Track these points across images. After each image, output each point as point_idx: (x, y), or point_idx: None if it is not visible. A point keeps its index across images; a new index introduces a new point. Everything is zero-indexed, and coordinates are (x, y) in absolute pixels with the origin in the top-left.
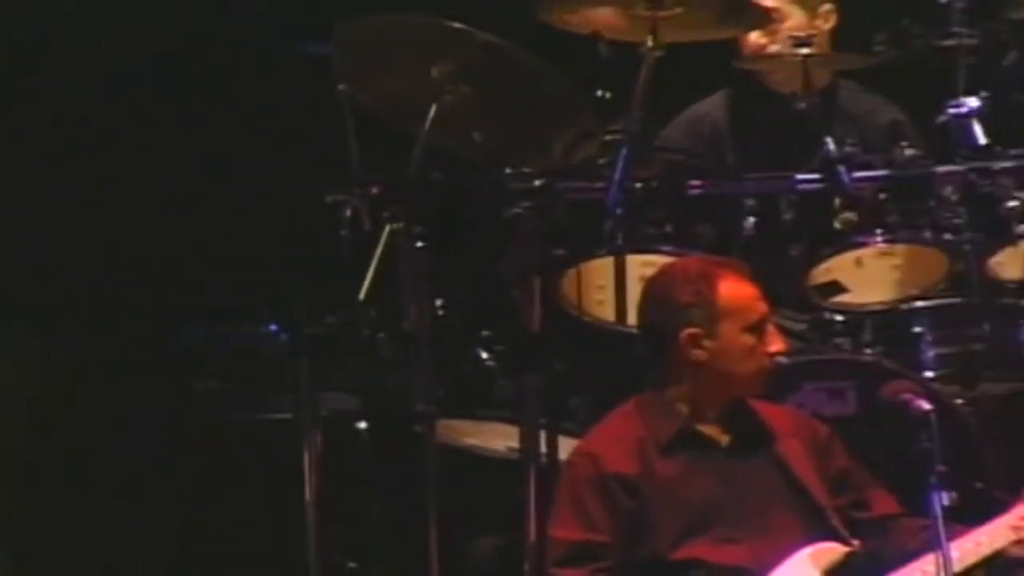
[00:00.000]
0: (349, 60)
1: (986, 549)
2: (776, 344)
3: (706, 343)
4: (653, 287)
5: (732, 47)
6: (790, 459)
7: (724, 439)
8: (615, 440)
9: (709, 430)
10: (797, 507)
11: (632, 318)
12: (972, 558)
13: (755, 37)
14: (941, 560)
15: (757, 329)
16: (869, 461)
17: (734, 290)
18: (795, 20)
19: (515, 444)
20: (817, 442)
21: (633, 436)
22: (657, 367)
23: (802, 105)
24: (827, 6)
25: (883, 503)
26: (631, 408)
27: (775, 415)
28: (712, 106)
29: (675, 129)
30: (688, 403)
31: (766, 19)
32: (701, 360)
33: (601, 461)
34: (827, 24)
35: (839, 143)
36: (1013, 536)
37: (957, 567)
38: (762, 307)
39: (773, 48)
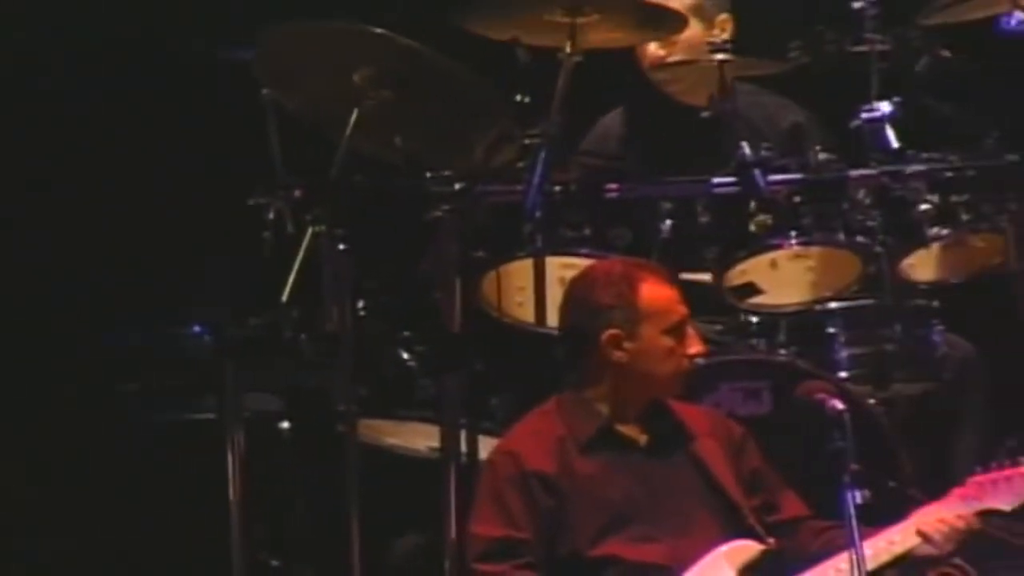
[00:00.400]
0: (272, 65)
1: (898, 548)
2: (695, 346)
3: (627, 344)
4: (575, 289)
5: (631, 61)
6: (707, 459)
7: (643, 439)
8: (536, 438)
9: (628, 430)
10: (714, 506)
11: (551, 319)
12: (885, 557)
13: (653, 48)
14: (854, 559)
15: (677, 331)
16: (784, 460)
17: (655, 293)
18: (693, 30)
19: (436, 443)
20: (733, 442)
21: (553, 435)
22: (578, 368)
23: (707, 113)
24: (723, 16)
25: (792, 506)
26: (552, 407)
27: (692, 415)
28: (613, 121)
29: (588, 142)
30: (608, 403)
31: (682, 25)
32: (622, 361)
33: (522, 459)
34: (724, 34)
35: (754, 148)
36: (921, 537)
37: (870, 565)
38: (682, 309)
39: (672, 59)
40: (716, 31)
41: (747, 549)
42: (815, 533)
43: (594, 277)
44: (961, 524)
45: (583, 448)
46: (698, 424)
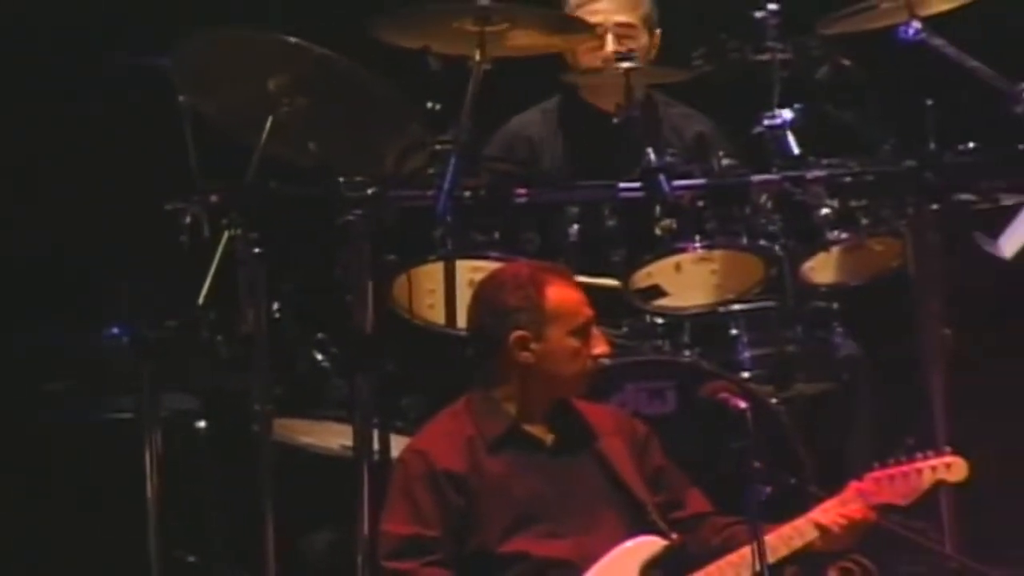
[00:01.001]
0: (190, 72)
1: (797, 542)
2: (600, 347)
3: (533, 346)
4: (483, 291)
5: (560, 63)
6: (612, 457)
7: (549, 438)
8: (445, 438)
9: (535, 429)
10: (619, 503)
11: (461, 321)
12: (784, 550)
13: (586, 55)
14: (756, 553)
15: (582, 332)
16: (688, 458)
17: (561, 295)
18: (643, 40)
19: (349, 442)
20: (637, 441)
21: (463, 434)
22: (486, 368)
23: (617, 119)
24: (658, 30)
25: (695, 502)
26: (461, 407)
27: (597, 415)
28: (528, 122)
29: (493, 146)
30: (515, 403)
31: (590, 34)
32: (528, 362)
33: (432, 458)
34: (655, 48)
35: (660, 153)
36: (819, 531)
37: (770, 559)
38: (587, 311)
39: (596, 64)
40: (655, 41)
41: (651, 545)
42: (718, 529)
43: (501, 280)
44: (858, 518)
45: (491, 447)
46: (603, 423)
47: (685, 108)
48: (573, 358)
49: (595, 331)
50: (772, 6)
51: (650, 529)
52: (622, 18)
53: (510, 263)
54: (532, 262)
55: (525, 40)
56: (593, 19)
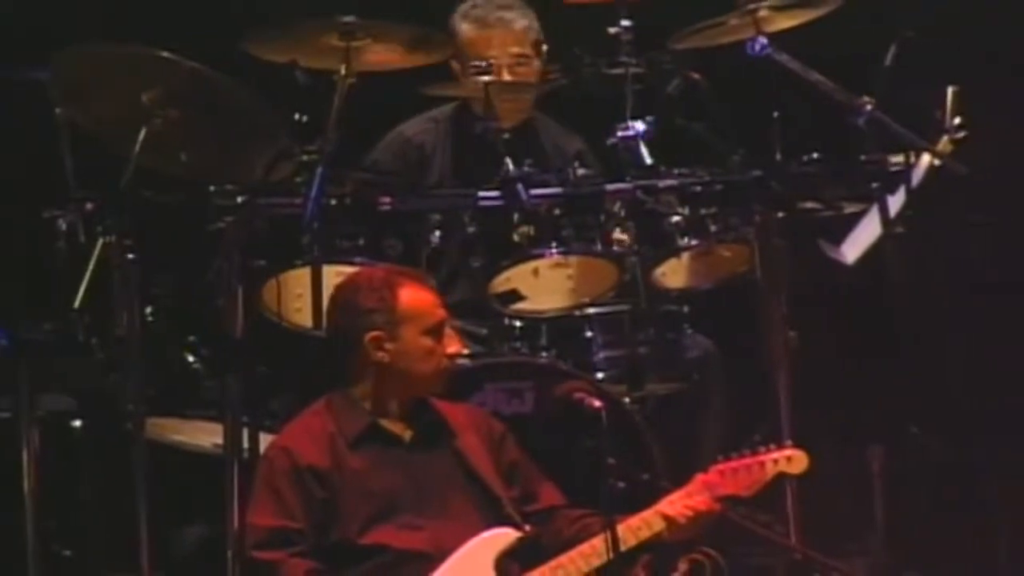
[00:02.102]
0: (66, 85)
1: (645, 532)
2: (454, 346)
3: (388, 345)
4: (339, 294)
5: (449, 75)
6: (468, 453)
7: (407, 435)
8: (308, 435)
9: (393, 426)
10: (475, 497)
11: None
12: (632, 541)
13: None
14: (608, 544)
15: (436, 332)
16: (546, 455)
17: (414, 297)
18: (536, 64)
19: (219, 440)
20: (493, 437)
21: (324, 431)
22: (345, 368)
23: (480, 130)
24: (544, 47)
25: (549, 495)
26: (322, 406)
27: (454, 413)
28: (419, 129)
29: (383, 151)
30: (373, 401)
31: (451, 49)
32: (383, 361)
33: (295, 454)
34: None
35: (519, 164)
36: (666, 521)
37: (620, 549)
38: (440, 312)
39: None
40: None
41: (505, 536)
42: (571, 521)
43: (357, 283)
44: (703, 508)
45: (352, 444)
46: (460, 421)
47: (561, 126)
48: (427, 357)
49: (449, 331)
50: (625, 22)
51: (505, 522)
52: (516, 49)
53: (365, 267)
54: (387, 266)
55: (389, 55)
56: (488, 52)
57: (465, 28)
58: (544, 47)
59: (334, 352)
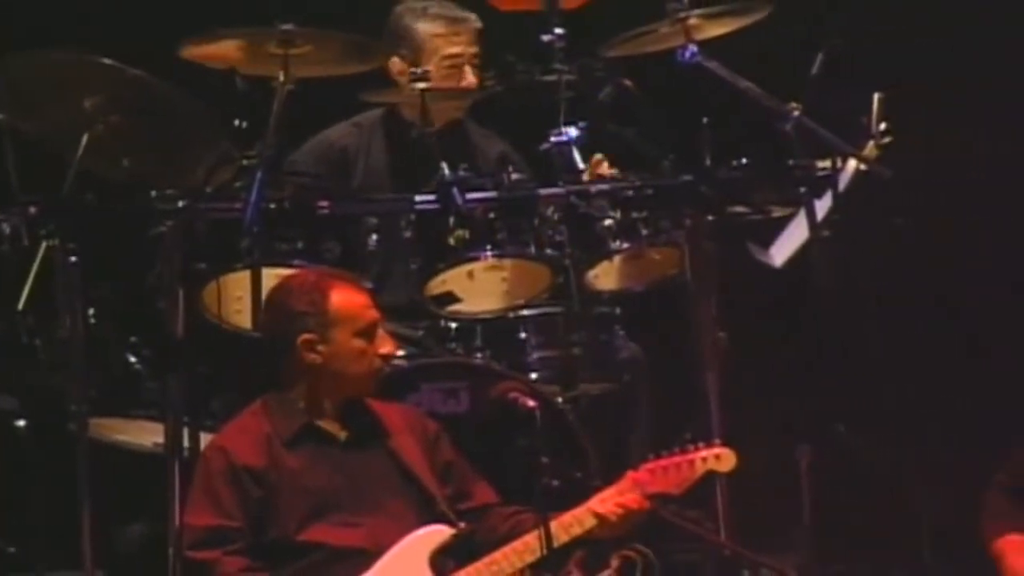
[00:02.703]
0: (9, 91)
1: (576, 529)
2: (386, 347)
3: (320, 347)
4: (272, 298)
5: (384, 80)
6: (403, 452)
7: (342, 434)
8: (244, 435)
9: (328, 426)
10: (410, 495)
11: None
12: (564, 538)
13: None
14: (541, 541)
15: (368, 334)
16: (481, 454)
17: (345, 299)
18: (472, 78)
19: (160, 440)
20: (428, 437)
21: (261, 431)
22: (280, 369)
23: (416, 134)
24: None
25: (483, 493)
26: (259, 407)
27: (389, 413)
28: (343, 134)
29: (304, 154)
30: (308, 401)
31: (385, 56)
32: (316, 363)
33: (232, 454)
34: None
35: (454, 168)
36: (597, 519)
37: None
38: (372, 314)
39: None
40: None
41: (439, 534)
42: (504, 518)
43: (289, 287)
44: (633, 506)
45: (288, 443)
46: (394, 421)
47: (485, 129)
48: (359, 358)
49: (381, 332)
50: (558, 30)
51: (439, 519)
52: (474, 49)
53: (298, 271)
54: (319, 269)
55: (324, 62)
56: (453, 50)
57: (427, 26)
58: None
59: (269, 354)
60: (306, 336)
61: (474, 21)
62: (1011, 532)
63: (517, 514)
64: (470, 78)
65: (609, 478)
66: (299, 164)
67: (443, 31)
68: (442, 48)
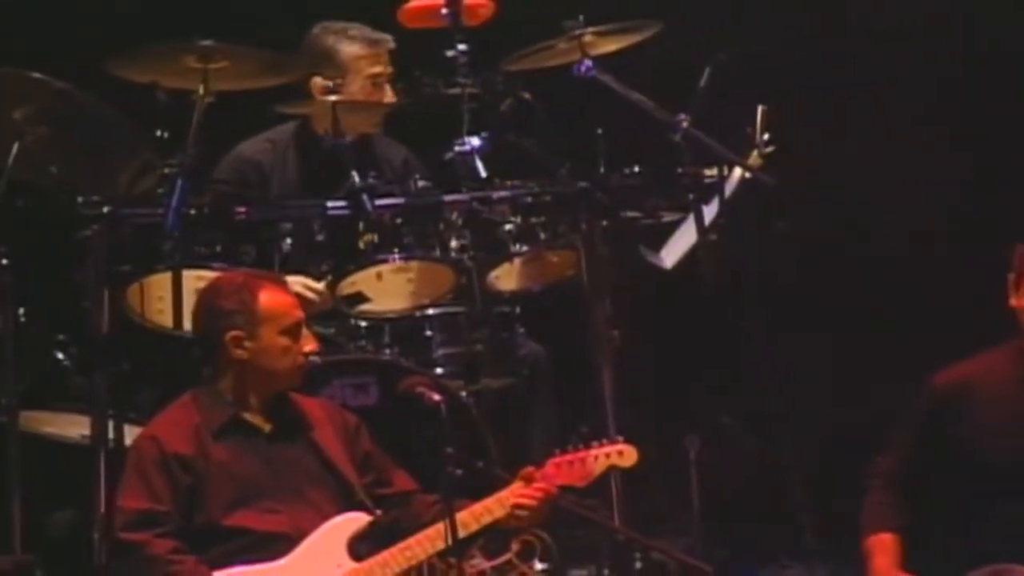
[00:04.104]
0: None
1: (487, 519)
2: (310, 344)
3: (247, 344)
4: (204, 297)
5: (302, 93)
6: (324, 444)
7: (267, 427)
8: (175, 426)
9: (254, 418)
10: (330, 484)
11: (188, 324)
12: (474, 526)
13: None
14: (448, 527)
15: (293, 332)
16: (390, 445)
17: (272, 299)
18: (392, 95)
19: (87, 432)
20: (348, 429)
21: (191, 422)
22: (210, 364)
23: (329, 144)
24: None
25: (402, 481)
26: (189, 399)
27: (312, 406)
28: (258, 149)
29: (222, 170)
30: (235, 395)
31: (306, 74)
32: (243, 359)
33: (163, 443)
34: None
35: (363, 176)
36: (508, 509)
37: (462, 533)
38: (298, 313)
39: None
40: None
41: (356, 521)
42: (427, 505)
43: (219, 286)
44: (542, 498)
45: (215, 434)
46: (317, 414)
47: (389, 139)
48: (283, 355)
49: (305, 331)
50: (461, 46)
51: (357, 507)
52: (391, 68)
53: (229, 272)
54: (249, 270)
55: (241, 76)
56: (375, 70)
57: (352, 48)
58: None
59: (200, 350)
60: (234, 333)
61: (390, 42)
62: (882, 531)
63: (439, 502)
64: (390, 95)
65: (510, 468)
66: (221, 182)
67: (366, 52)
68: (365, 68)
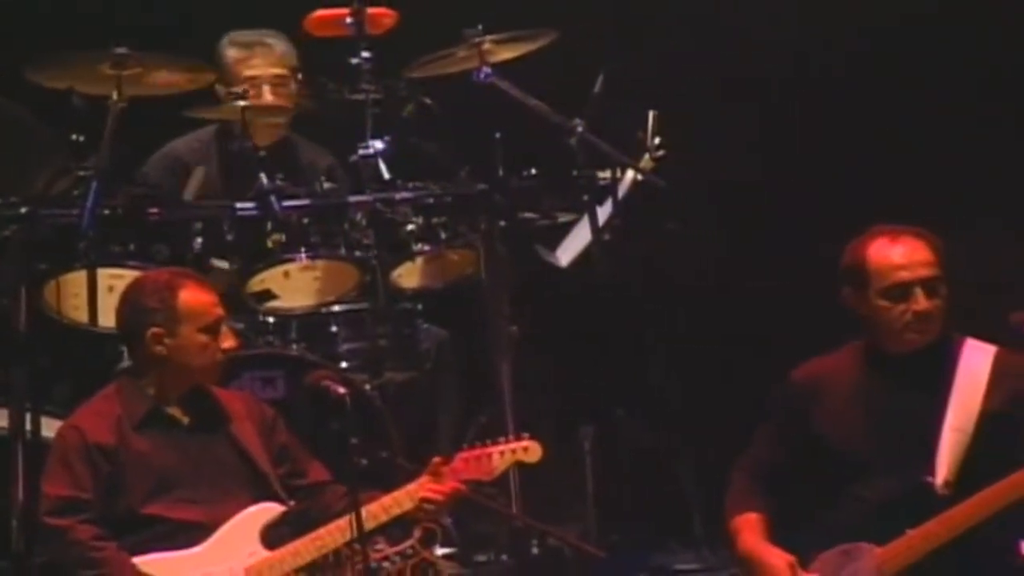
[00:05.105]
0: None
1: (395, 511)
2: (228, 342)
3: (167, 340)
4: (128, 293)
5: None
6: (241, 436)
7: (186, 419)
8: (98, 416)
9: (173, 411)
10: (246, 475)
11: (102, 321)
12: (383, 517)
13: (271, 97)
14: (353, 516)
15: (212, 330)
16: (298, 437)
17: (193, 297)
18: (294, 86)
19: (5, 424)
20: (264, 422)
21: (113, 414)
22: (132, 358)
23: (236, 148)
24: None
25: (317, 472)
26: (112, 391)
27: (231, 400)
28: (185, 148)
29: (152, 165)
30: (156, 388)
31: (215, 75)
32: (163, 354)
33: (86, 433)
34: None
35: (272, 178)
36: (416, 502)
37: (371, 524)
38: (218, 311)
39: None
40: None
41: (270, 510)
42: (339, 496)
43: (143, 284)
44: (450, 492)
45: (136, 426)
46: (235, 407)
47: (315, 145)
48: (201, 352)
49: (225, 329)
50: (365, 54)
51: (272, 498)
52: (276, 70)
53: (154, 270)
54: (172, 269)
55: (156, 82)
56: (250, 72)
57: (231, 52)
58: (300, 75)
59: (125, 345)
60: (154, 330)
61: (275, 46)
62: (748, 511)
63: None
64: (267, 97)
65: (414, 458)
66: (149, 176)
67: (240, 56)
68: (242, 71)
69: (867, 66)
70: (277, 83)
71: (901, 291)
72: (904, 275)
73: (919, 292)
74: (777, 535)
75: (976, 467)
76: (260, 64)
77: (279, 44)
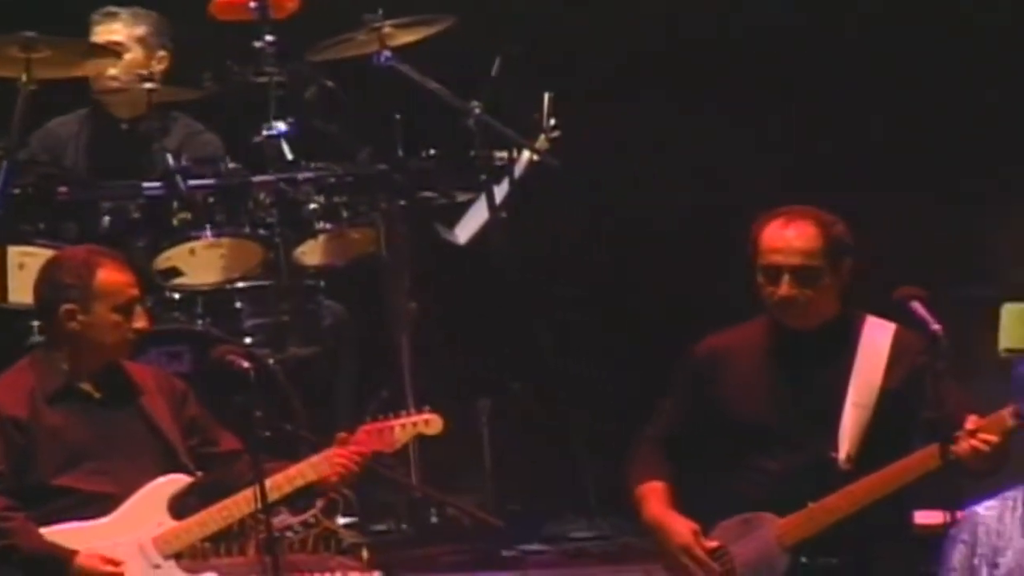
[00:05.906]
0: None
1: (299, 482)
2: (141, 322)
3: (80, 317)
4: (45, 269)
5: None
6: (152, 410)
7: (98, 394)
8: (11, 389)
9: (86, 386)
10: (155, 448)
11: (12, 297)
12: (287, 488)
13: (104, 73)
14: (257, 487)
15: (126, 309)
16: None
17: (109, 276)
18: (134, 55)
19: None
20: (175, 396)
21: (27, 387)
22: (47, 334)
23: (126, 127)
24: (162, 52)
25: (228, 442)
26: (26, 364)
27: (142, 374)
28: (61, 124)
29: (35, 141)
30: (69, 363)
31: (115, 56)
32: (76, 331)
33: None
34: (161, 65)
35: (176, 158)
36: (326, 471)
37: (276, 495)
38: (133, 291)
39: (115, 80)
40: (154, 62)
41: (177, 482)
42: (249, 466)
43: (61, 260)
44: (354, 463)
45: (49, 399)
46: (147, 382)
47: (196, 123)
48: (114, 330)
49: (139, 309)
50: (269, 37)
51: (180, 469)
52: (112, 38)
53: (73, 247)
54: (91, 247)
55: (63, 64)
56: (93, 39)
57: (92, 23)
58: (161, 52)
59: (40, 319)
60: (68, 306)
61: (120, 14)
62: (653, 479)
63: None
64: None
65: (316, 430)
66: (34, 152)
67: (93, 26)
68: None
69: (767, 37)
70: (121, 52)
71: (772, 273)
72: (776, 258)
73: (785, 278)
74: (680, 503)
75: (877, 442)
76: (100, 32)
77: (125, 14)
